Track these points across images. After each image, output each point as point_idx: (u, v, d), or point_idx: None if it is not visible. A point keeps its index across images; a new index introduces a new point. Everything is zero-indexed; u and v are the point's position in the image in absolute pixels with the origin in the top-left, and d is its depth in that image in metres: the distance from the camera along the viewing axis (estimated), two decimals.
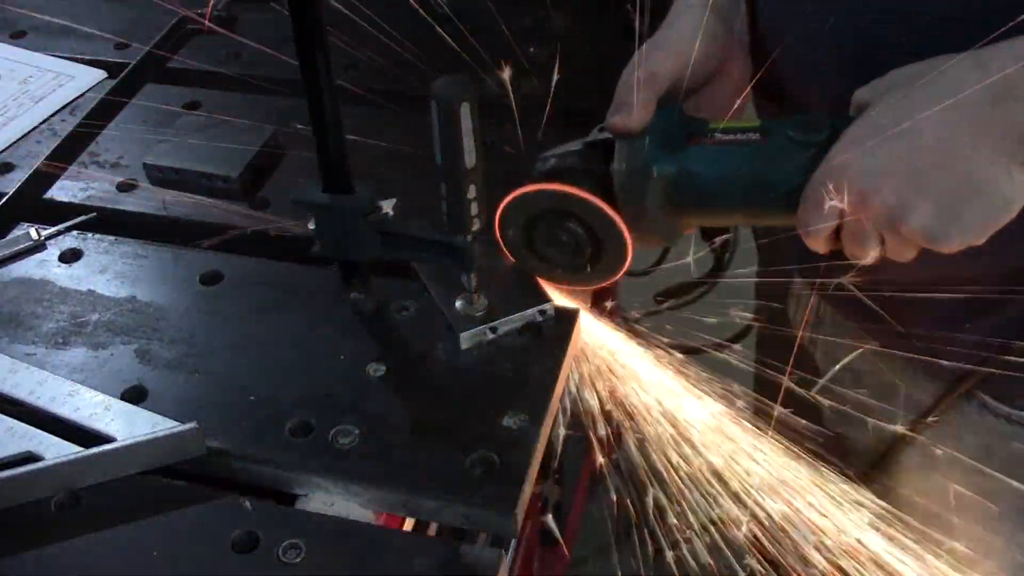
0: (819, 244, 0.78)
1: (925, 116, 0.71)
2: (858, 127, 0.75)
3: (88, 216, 1.02)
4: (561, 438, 1.03)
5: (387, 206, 0.85)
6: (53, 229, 1.00)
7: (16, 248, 0.98)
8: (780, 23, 0.93)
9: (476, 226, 0.80)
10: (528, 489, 0.76)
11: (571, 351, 0.87)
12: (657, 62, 0.85)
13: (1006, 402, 0.98)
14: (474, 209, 0.79)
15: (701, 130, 0.82)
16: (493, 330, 0.87)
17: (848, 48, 0.85)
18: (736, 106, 0.91)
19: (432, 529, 0.82)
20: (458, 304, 0.88)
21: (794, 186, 0.77)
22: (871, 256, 0.77)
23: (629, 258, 0.85)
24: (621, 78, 0.85)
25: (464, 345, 0.86)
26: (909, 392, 1.01)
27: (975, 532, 1.06)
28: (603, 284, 0.88)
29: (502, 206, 0.85)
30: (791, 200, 0.78)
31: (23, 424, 0.80)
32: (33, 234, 1.00)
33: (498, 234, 0.87)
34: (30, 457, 0.78)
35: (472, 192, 0.78)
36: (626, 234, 0.82)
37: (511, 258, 0.89)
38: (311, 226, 0.85)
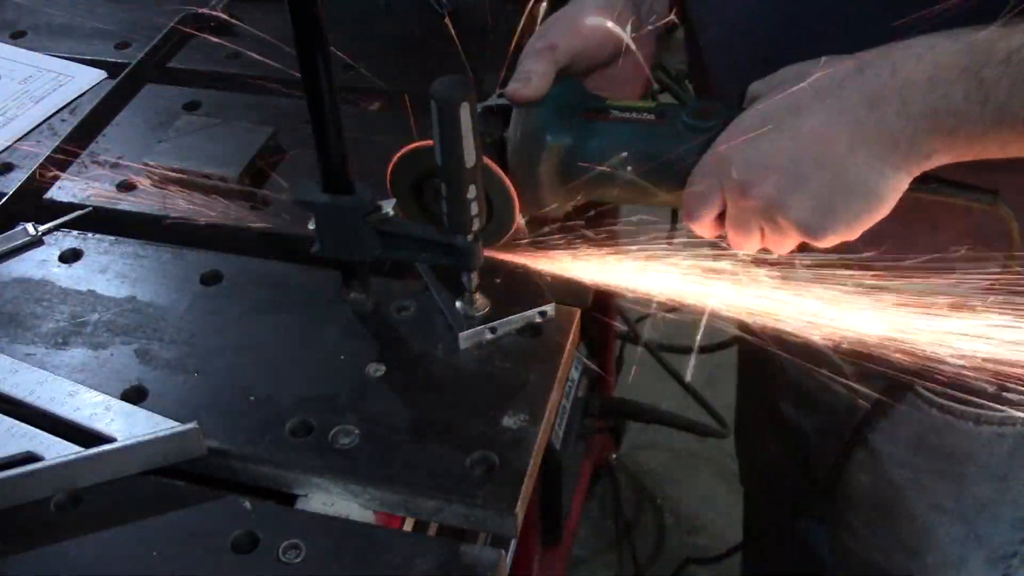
0: (701, 229, 0.80)
1: (806, 113, 0.73)
2: (744, 118, 0.77)
3: (84, 211, 1.02)
4: (561, 437, 1.02)
5: (387, 206, 0.85)
6: (50, 224, 1.00)
7: (14, 244, 0.99)
8: (700, 11, 0.94)
9: (476, 226, 0.80)
10: (528, 489, 0.77)
11: (570, 352, 0.87)
12: (559, 35, 0.86)
13: (940, 395, 0.98)
14: (474, 209, 0.79)
15: (598, 105, 0.84)
16: (492, 330, 0.87)
17: (758, 40, 0.87)
18: (635, 86, 0.94)
19: (432, 529, 0.82)
20: (458, 304, 0.88)
21: (683, 169, 0.79)
22: (751, 245, 0.79)
23: (516, 222, 0.86)
24: (525, 48, 0.87)
25: (463, 345, 0.86)
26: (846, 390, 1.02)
27: (916, 523, 1.07)
28: (488, 246, 0.88)
29: (394, 160, 0.85)
30: (678, 183, 0.80)
31: (23, 424, 0.80)
32: (30, 229, 1.00)
33: (390, 188, 0.87)
34: (30, 457, 0.78)
35: (472, 192, 0.78)
36: (514, 198, 0.84)
37: (403, 213, 0.89)
38: (311, 226, 0.85)
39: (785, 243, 0.78)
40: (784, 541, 1.37)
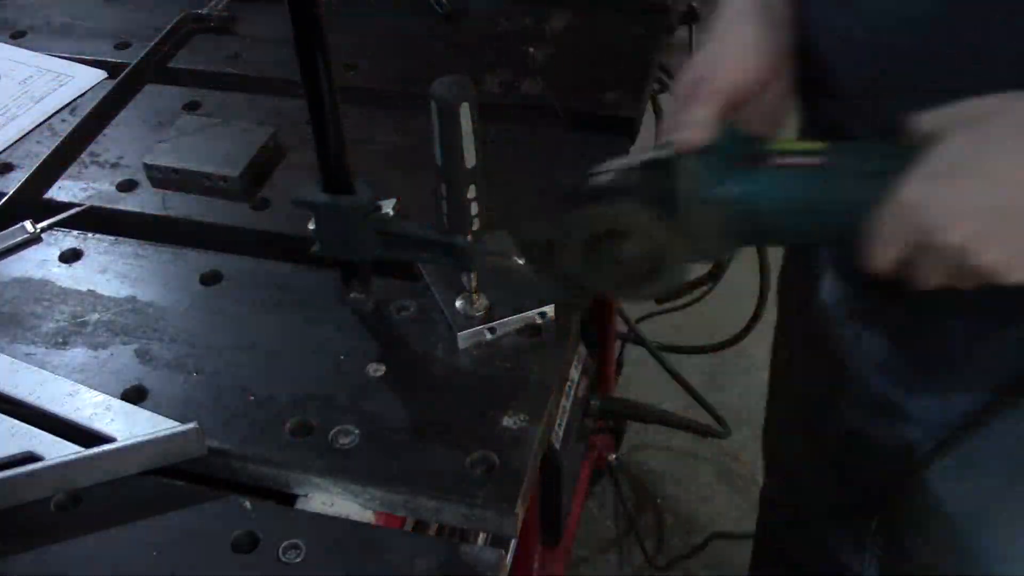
0: (881, 271, 0.76)
1: (1005, 154, 0.68)
2: (932, 162, 0.71)
3: (81, 208, 1.02)
4: (560, 437, 1.02)
5: (387, 206, 0.85)
6: (48, 221, 1.01)
7: (12, 241, 0.99)
8: (832, 17, 0.87)
9: (476, 226, 0.80)
10: (528, 489, 0.77)
11: (570, 352, 0.87)
12: (720, 76, 0.81)
13: None
14: (474, 209, 0.79)
15: (762, 150, 0.79)
16: (492, 331, 0.87)
17: (883, 66, 0.81)
18: (778, 117, 0.88)
19: (432, 529, 0.82)
20: (458, 304, 0.88)
21: (859, 216, 0.74)
22: (931, 284, 0.75)
23: (685, 278, 0.83)
24: (676, 91, 0.82)
25: (461, 345, 0.86)
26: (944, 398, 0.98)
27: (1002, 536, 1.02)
28: (651, 298, 0.85)
29: (561, 220, 0.81)
30: (854, 228, 0.75)
31: (23, 424, 0.80)
32: (28, 227, 1.00)
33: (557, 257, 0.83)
34: (30, 457, 0.78)
35: (472, 192, 0.78)
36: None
37: (567, 281, 0.85)
38: (311, 226, 0.85)
39: (971, 283, 0.73)
40: (811, 555, 1.31)
